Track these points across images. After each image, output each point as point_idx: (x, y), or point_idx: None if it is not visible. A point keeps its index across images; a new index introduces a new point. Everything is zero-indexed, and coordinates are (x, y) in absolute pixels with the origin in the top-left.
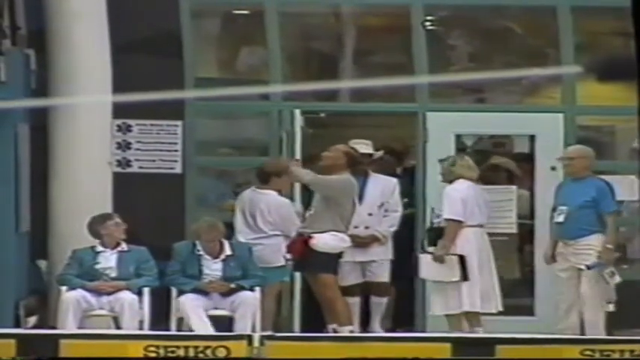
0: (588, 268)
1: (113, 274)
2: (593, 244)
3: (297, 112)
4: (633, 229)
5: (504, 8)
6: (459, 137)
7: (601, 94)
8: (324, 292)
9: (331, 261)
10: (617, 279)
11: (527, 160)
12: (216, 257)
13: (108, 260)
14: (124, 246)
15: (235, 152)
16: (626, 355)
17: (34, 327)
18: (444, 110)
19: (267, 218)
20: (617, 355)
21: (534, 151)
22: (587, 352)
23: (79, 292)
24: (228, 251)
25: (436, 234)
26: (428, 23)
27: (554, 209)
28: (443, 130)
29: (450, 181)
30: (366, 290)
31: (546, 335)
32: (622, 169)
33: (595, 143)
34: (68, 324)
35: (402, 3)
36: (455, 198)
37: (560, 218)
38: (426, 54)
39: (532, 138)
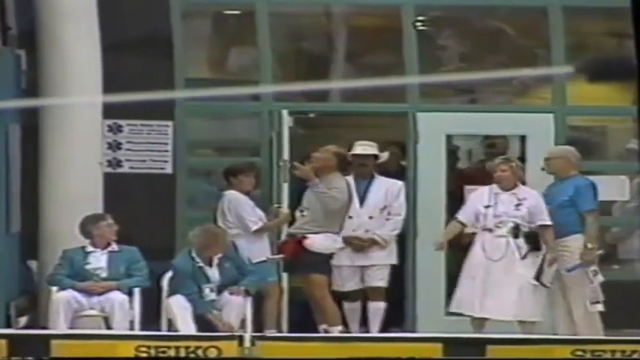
0: (568, 271)
1: (104, 275)
2: (571, 246)
3: (287, 112)
4: (625, 230)
5: (495, 9)
6: (449, 138)
7: (592, 95)
8: (314, 292)
9: (323, 262)
10: (600, 278)
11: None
12: (210, 264)
13: (98, 260)
14: (114, 246)
15: (226, 153)
16: (617, 355)
17: (25, 327)
18: (434, 111)
19: (227, 218)
20: (608, 355)
21: (525, 151)
22: (579, 353)
23: (70, 293)
24: (219, 254)
25: (530, 239)
26: (419, 24)
27: None
28: (434, 130)
29: (514, 185)
30: (364, 295)
31: (537, 335)
32: (613, 170)
33: (586, 143)
34: (59, 324)
35: (392, 3)
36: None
37: None
38: (417, 54)
39: (523, 138)
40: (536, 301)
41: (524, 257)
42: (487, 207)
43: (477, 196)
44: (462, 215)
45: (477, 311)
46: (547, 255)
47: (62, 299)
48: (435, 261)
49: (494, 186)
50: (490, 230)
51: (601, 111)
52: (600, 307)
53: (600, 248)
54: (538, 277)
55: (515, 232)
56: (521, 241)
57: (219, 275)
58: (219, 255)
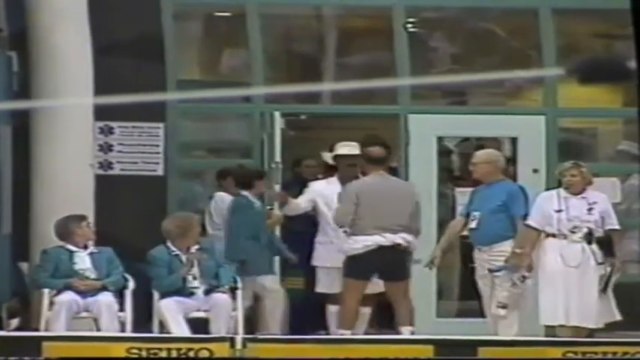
0: (490, 271)
1: (93, 276)
2: (506, 250)
3: (278, 114)
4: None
5: (486, 10)
6: (440, 139)
7: (583, 97)
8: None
9: (349, 264)
10: (529, 283)
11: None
12: (185, 253)
13: (84, 261)
14: (92, 247)
15: (217, 154)
16: (609, 357)
17: (17, 329)
18: (426, 112)
19: (213, 219)
20: (600, 357)
21: (516, 153)
22: (570, 354)
23: (71, 295)
24: (195, 245)
25: (604, 245)
26: (410, 25)
27: (467, 215)
28: (425, 132)
29: (582, 190)
30: None
31: (528, 337)
32: (604, 171)
33: (577, 145)
34: (59, 327)
35: (383, 5)
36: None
37: (473, 224)
38: (408, 56)
39: (514, 140)
40: (610, 303)
41: (600, 263)
42: (559, 211)
43: (546, 200)
44: (534, 221)
45: (562, 320)
46: (615, 262)
47: (65, 302)
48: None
49: (562, 190)
50: (565, 236)
51: (592, 113)
52: (503, 312)
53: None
54: (605, 287)
55: (589, 237)
56: (595, 246)
57: (197, 265)
58: (196, 246)
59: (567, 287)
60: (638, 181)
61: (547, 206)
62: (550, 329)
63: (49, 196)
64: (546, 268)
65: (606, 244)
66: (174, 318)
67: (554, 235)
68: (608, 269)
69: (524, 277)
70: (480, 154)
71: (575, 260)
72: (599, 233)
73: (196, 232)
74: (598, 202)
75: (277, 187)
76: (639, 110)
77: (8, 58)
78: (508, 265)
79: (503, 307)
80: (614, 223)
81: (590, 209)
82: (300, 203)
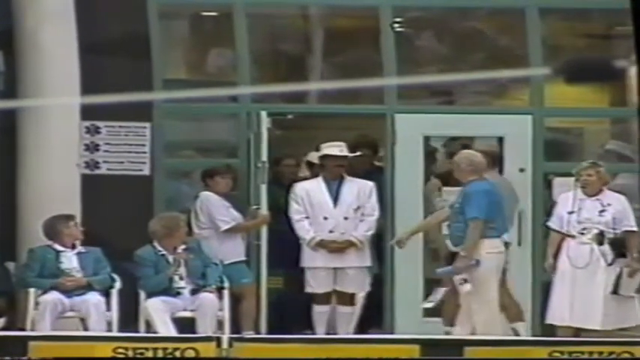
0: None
1: (79, 275)
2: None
3: (265, 113)
4: None
5: (473, 10)
6: (427, 139)
7: (569, 96)
8: None
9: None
10: (468, 288)
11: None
12: (172, 253)
13: (70, 260)
14: (80, 247)
15: (204, 154)
16: (595, 356)
17: (3, 329)
18: (412, 112)
19: (199, 218)
20: (585, 357)
21: (503, 152)
22: (556, 354)
23: (56, 295)
24: (182, 245)
25: (617, 246)
26: (396, 25)
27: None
28: (411, 131)
29: (599, 191)
30: (335, 298)
31: (514, 337)
32: None
33: (563, 145)
34: (44, 326)
35: (370, 4)
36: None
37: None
38: (395, 56)
39: (501, 140)
40: (627, 307)
41: (610, 264)
42: (570, 213)
43: (562, 202)
44: (553, 223)
45: (567, 320)
46: (630, 263)
47: (49, 302)
48: (412, 262)
49: (579, 191)
50: (574, 237)
51: (579, 112)
52: (468, 287)
53: (474, 259)
54: (616, 288)
55: (600, 238)
56: (606, 247)
57: (184, 265)
58: (183, 246)
59: (573, 288)
60: (629, 181)
61: (561, 208)
62: (555, 329)
63: (36, 195)
64: (558, 269)
65: (619, 245)
66: (161, 318)
67: (570, 236)
68: (618, 270)
69: (464, 281)
70: (457, 156)
71: (583, 261)
72: (610, 234)
73: (183, 232)
74: (612, 204)
75: (263, 187)
76: (639, 109)
77: None
78: (453, 267)
79: (465, 280)
80: (630, 225)
81: (602, 211)
82: (303, 224)
